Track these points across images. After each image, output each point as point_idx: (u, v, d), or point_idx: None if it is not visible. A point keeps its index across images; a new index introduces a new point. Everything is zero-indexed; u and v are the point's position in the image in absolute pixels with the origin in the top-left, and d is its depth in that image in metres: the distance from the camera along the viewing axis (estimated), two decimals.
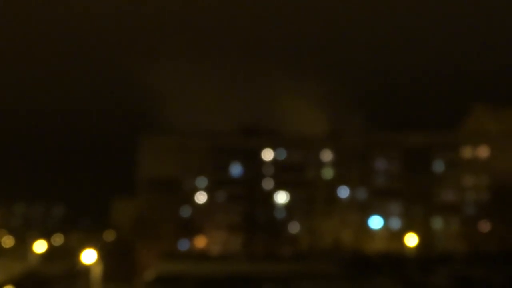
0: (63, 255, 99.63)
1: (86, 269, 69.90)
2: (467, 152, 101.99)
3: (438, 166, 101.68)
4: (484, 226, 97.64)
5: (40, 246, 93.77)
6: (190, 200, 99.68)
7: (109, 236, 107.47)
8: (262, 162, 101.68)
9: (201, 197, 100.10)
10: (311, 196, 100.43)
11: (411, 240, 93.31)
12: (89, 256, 59.22)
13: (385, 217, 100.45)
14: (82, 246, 76.16)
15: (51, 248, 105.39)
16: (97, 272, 64.74)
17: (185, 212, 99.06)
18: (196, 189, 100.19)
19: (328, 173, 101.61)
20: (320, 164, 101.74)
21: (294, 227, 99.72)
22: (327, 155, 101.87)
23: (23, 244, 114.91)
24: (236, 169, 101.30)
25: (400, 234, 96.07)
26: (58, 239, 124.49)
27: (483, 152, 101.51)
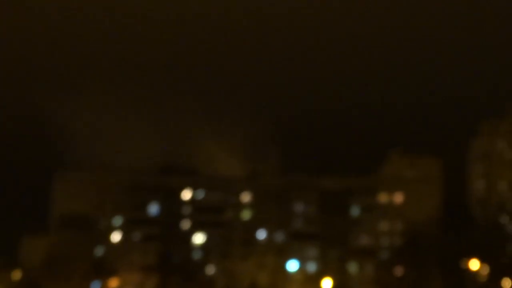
0: None
1: None
2: (383, 198, 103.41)
3: (355, 210, 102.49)
4: (398, 271, 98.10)
5: None
6: (105, 239, 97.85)
7: (16, 275, 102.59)
8: (180, 202, 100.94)
9: (116, 236, 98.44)
10: (229, 237, 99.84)
11: (327, 284, 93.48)
12: None
13: (302, 260, 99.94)
14: None
15: None
16: None
17: (99, 251, 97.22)
18: (111, 228, 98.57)
19: (246, 215, 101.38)
20: (239, 206, 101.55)
21: (210, 269, 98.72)
22: (245, 197, 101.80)
23: None
24: (153, 208, 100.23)
25: (316, 277, 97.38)
26: None
27: (398, 198, 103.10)
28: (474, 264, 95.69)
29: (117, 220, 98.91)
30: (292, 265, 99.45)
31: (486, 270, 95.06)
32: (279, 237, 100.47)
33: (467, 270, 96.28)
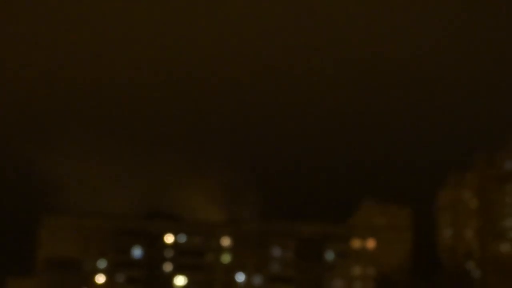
0: None
1: None
2: (356, 244, 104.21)
3: (329, 255, 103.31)
4: None
5: None
6: (90, 281, 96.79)
7: None
8: (163, 245, 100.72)
9: (100, 279, 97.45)
10: (209, 280, 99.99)
11: None
12: None
13: None
14: None
15: None
16: None
17: None
18: (96, 270, 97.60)
19: (226, 258, 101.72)
20: (219, 249, 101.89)
21: None
22: (225, 241, 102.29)
23: None
24: (137, 252, 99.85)
25: None
26: None
27: (370, 244, 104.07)
28: None
29: (102, 263, 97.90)
30: None
31: None
32: (257, 280, 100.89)
33: None
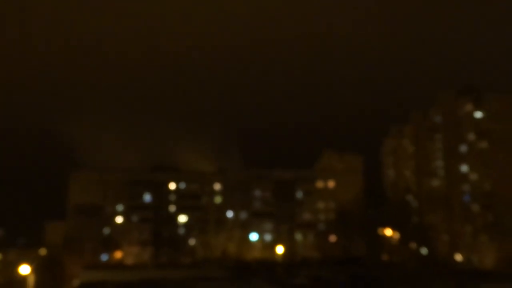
0: (3, 270, 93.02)
1: (23, 280, 66.06)
2: (319, 184, 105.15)
3: (299, 194, 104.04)
4: (332, 238, 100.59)
5: None
6: (110, 222, 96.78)
7: (42, 252, 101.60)
8: (167, 191, 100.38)
9: (118, 220, 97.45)
10: (205, 217, 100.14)
11: (280, 249, 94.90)
12: (25, 269, 56.15)
13: (260, 232, 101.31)
14: (19, 262, 71.92)
15: None
16: (31, 282, 61.42)
17: (106, 231, 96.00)
18: (115, 213, 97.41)
19: (218, 200, 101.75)
20: (212, 193, 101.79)
21: (192, 242, 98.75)
22: (217, 186, 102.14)
23: None
24: (147, 197, 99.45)
25: (272, 245, 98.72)
26: None
27: (331, 184, 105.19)
28: (388, 232, 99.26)
29: (119, 207, 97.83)
30: (253, 237, 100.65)
31: (397, 236, 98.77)
32: (243, 216, 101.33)
33: (383, 236, 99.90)
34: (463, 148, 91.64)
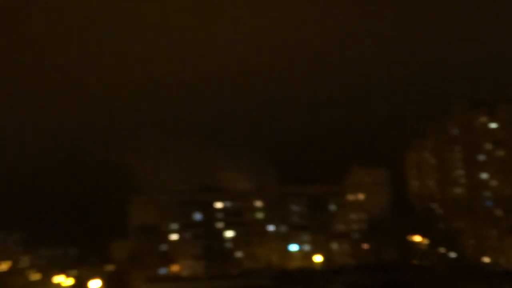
0: (78, 284, 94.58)
1: None
2: (350, 197, 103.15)
3: (332, 207, 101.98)
4: (365, 246, 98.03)
5: (59, 279, 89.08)
6: (166, 239, 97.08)
7: (110, 268, 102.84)
8: (214, 210, 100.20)
9: (174, 237, 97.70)
10: (249, 232, 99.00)
11: (318, 258, 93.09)
12: (95, 284, 56.68)
13: (299, 243, 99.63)
14: (91, 277, 73.15)
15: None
16: None
17: (163, 247, 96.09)
18: (170, 231, 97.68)
19: (259, 215, 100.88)
20: (254, 210, 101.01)
21: (238, 254, 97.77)
22: (258, 203, 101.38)
23: (47, 277, 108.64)
24: (197, 216, 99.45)
25: (310, 254, 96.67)
26: (73, 273, 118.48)
27: (361, 197, 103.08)
28: (417, 238, 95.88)
29: (174, 226, 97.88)
30: (293, 247, 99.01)
31: (426, 242, 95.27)
32: (283, 229, 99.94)
33: (413, 242, 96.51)
34: (482, 157, 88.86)
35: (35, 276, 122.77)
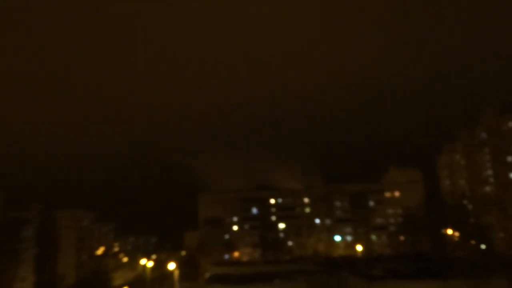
0: (157, 266, 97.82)
1: (171, 273, 68.69)
2: (387, 195, 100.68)
3: (371, 203, 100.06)
4: (401, 238, 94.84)
5: (143, 261, 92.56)
6: (229, 230, 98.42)
7: (183, 253, 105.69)
8: (269, 205, 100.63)
9: (235, 228, 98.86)
10: (299, 224, 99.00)
11: (359, 248, 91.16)
12: (171, 266, 58.53)
13: (342, 235, 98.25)
14: (168, 260, 75.50)
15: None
16: (177, 275, 63.65)
17: (227, 237, 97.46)
18: (232, 223, 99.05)
19: (307, 210, 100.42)
20: (303, 205, 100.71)
21: (289, 243, 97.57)
22: (306, 200, 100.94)
23: (134, 261, 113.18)
24: (254, 210, 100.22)
25: (352, 244, 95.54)
26: (154, 257, 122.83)
27: (397, 194, 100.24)
28: (449, 231, 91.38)
29: (235, 219, 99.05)
30: (337, 238, 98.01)
31: (457, 235, 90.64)
32: (328, 222, 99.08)
33: (445, 235, 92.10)
34: (510, 159, 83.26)
35: (124, 259, 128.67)
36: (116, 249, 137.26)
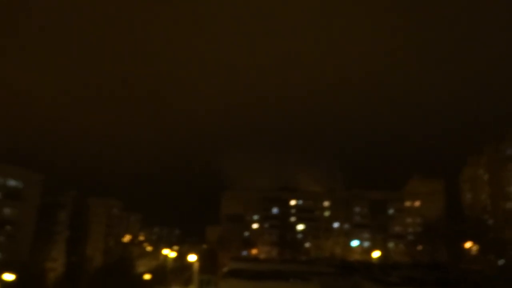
0: (178, 257, 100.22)
1: (191, 265, 70.74)
2: (408, 204, 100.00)
3: (391, 211, 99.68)
4: (419, 247, 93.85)
5: (166, 252, 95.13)
6: (249, 227, 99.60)
7: (204, 246, 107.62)
8: (289, 206, 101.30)
9: (255, 226, 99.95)
10: (317, 226, 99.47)
11: (376, 254, 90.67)
12: (192, 258, 60.49)
13: (360, 240, 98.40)
14: (189, 252, 77.33)
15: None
16: (196, 267, 65.59)
17: (246, 234, 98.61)
18: (252, 221, 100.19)
19: (327, 213, 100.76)
20: (322, 208, 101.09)
21: (307, 244, 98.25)
22: (326, 203, 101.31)
23: (157, 250, 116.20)
24: (274, 210, 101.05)
25: (369, 250, 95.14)
26: (176, 248, 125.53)
27: (417, 204, 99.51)
28: (468, 244, 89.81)
29: (255, 217, 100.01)
30: (354, 243, 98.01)
31: (476, 248, 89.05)
32: (346, 226, 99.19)
33: (464, 248, 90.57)
34: None
35: (149, 248, 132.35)
36: (141, 238, 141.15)
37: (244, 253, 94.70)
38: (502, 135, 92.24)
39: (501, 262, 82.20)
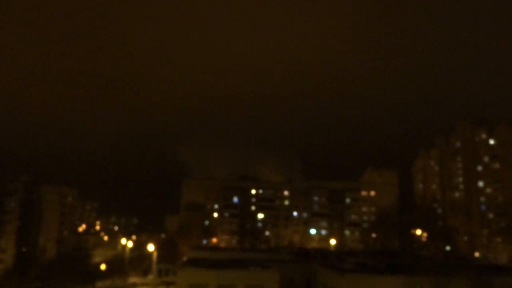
0: (137, 247, 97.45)
1: (149, 254, 68.70)
2: (363, 193, 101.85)
3: (347, 200, 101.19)
4: (373, 235, 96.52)
5: (123, 241, 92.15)
6: (209, 216, 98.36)
7: (163, 236, 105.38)
8: (250, 195, 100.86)
9: (215, 215, 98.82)
10: (277, 215, 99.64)
11: (332, 241, 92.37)
12: (151, 247, 58.65)
13: (318, 228, 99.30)
14: (148, 242, 75.35)
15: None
16: (155, 256, 63.81)
17: (206, 223, 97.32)
18: (213, 210, 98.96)
19: (286, 203, 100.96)
20: (282, 197, 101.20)
21: (267, 233, 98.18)
22: (285, 192, 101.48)
23: (114, 240, 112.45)
24: (235, 199, 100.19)
25: (326, 238, 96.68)
26: (134, 237, 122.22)
27: (372, 193, 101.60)
28: (418, 232, 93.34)
29: (216, 206, 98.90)
30: (312, 231, 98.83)
31: (425, 235, 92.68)
32: (305, 215, 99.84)
33: (414, 235, 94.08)
34: (479, 168, 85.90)
35: (105, 237, 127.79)
36: (97, 227, 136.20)
37: (204, 242, 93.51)
38: (451, 129, 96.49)
39: (448, 248, 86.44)
